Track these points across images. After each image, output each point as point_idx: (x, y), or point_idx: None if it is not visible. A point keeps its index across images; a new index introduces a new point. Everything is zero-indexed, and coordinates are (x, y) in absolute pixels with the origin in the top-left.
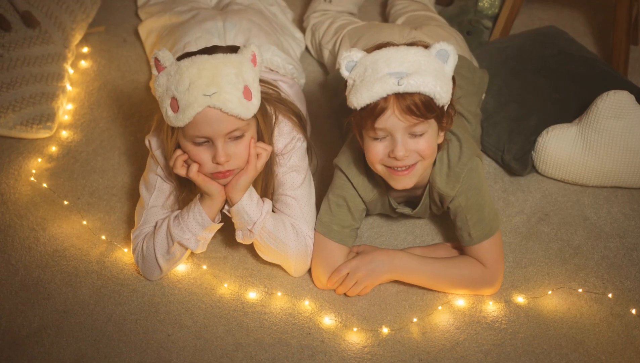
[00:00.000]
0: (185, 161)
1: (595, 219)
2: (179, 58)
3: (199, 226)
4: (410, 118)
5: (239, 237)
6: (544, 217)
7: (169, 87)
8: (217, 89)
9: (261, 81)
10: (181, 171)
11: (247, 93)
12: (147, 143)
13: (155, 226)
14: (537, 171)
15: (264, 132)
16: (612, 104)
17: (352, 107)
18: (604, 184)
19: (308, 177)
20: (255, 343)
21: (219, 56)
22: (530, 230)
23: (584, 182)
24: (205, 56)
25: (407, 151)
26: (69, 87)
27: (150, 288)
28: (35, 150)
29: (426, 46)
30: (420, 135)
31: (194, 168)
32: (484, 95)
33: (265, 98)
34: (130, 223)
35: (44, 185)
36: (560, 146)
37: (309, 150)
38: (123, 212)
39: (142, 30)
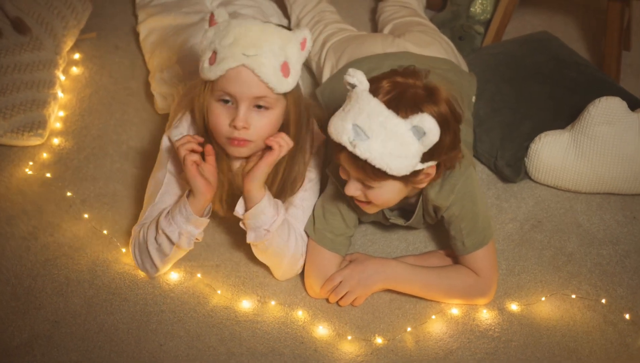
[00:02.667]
0: (190, 151)
1: (588, 226)
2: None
3: (184, 220)
4: (359, 174)
5: (251, 238)
6: (537, 224)
7: (213, 41)
8: (257, 52)
9: None
10: (183, 153)
11: (284, 68)
12: (165, 139)
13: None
14: (529, 178)
15: (290, 124)
16: (604, 111)
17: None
18: (597, 191)
19: (315, 180)
20: (248, 353)
21: (271, 25)
22: (523, 237)
23: (576, 188)
24: (258, 21)
25: (355, 193)
26: (60, 94)
27: (142, 297)
28: (26, 158)
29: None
30: (370, 187)
31: (191, 158)
32: (474, 98)
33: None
34: (123, 231)
35: (35, 193)
36: (552, 153)
37: None
38: (115, 220)
39: (143, 28)
